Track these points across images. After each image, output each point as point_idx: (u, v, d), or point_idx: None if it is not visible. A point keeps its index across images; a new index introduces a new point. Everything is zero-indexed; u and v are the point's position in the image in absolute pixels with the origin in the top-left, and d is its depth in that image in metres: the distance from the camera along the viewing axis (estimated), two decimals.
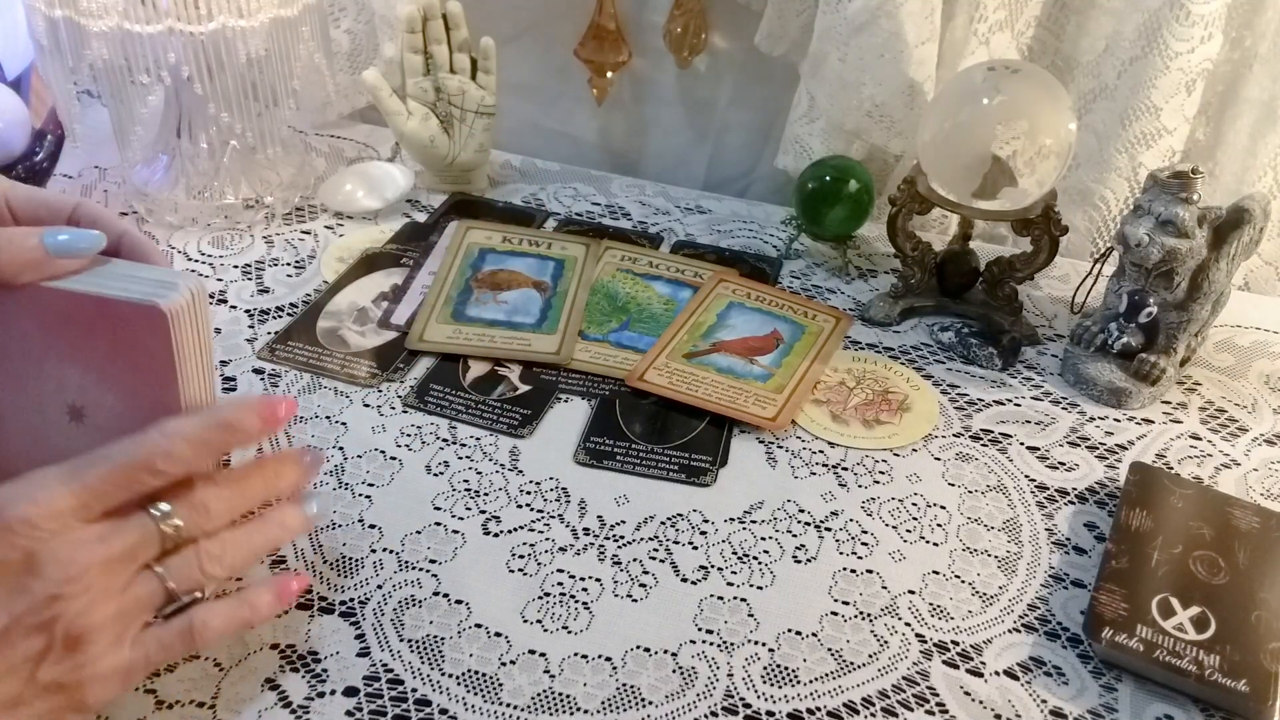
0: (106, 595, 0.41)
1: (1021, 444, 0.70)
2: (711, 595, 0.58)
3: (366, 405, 0.69)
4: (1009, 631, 0.57)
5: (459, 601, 0.57)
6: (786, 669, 0.54)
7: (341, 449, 0.66)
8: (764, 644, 0.56)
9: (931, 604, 0.59)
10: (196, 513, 0.44)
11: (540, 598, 0.57)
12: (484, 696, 0.52)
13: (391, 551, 0.59)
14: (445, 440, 0.67)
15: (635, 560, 0.60)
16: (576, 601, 0.57)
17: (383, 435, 0.67)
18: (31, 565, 0.40)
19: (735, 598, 0.58)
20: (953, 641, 0.57)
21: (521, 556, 0.60)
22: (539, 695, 0.52)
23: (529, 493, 0.64)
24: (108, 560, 0.41)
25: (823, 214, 0.87)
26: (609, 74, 0.99)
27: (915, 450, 0.69)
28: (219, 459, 0.48)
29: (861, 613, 0.58)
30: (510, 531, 0.61)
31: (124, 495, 0.42)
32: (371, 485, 0.64)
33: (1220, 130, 0.88)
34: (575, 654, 0.54)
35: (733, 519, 0.63)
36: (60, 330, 0.48)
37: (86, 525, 0.41)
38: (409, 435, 0.67)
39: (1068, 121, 0.74)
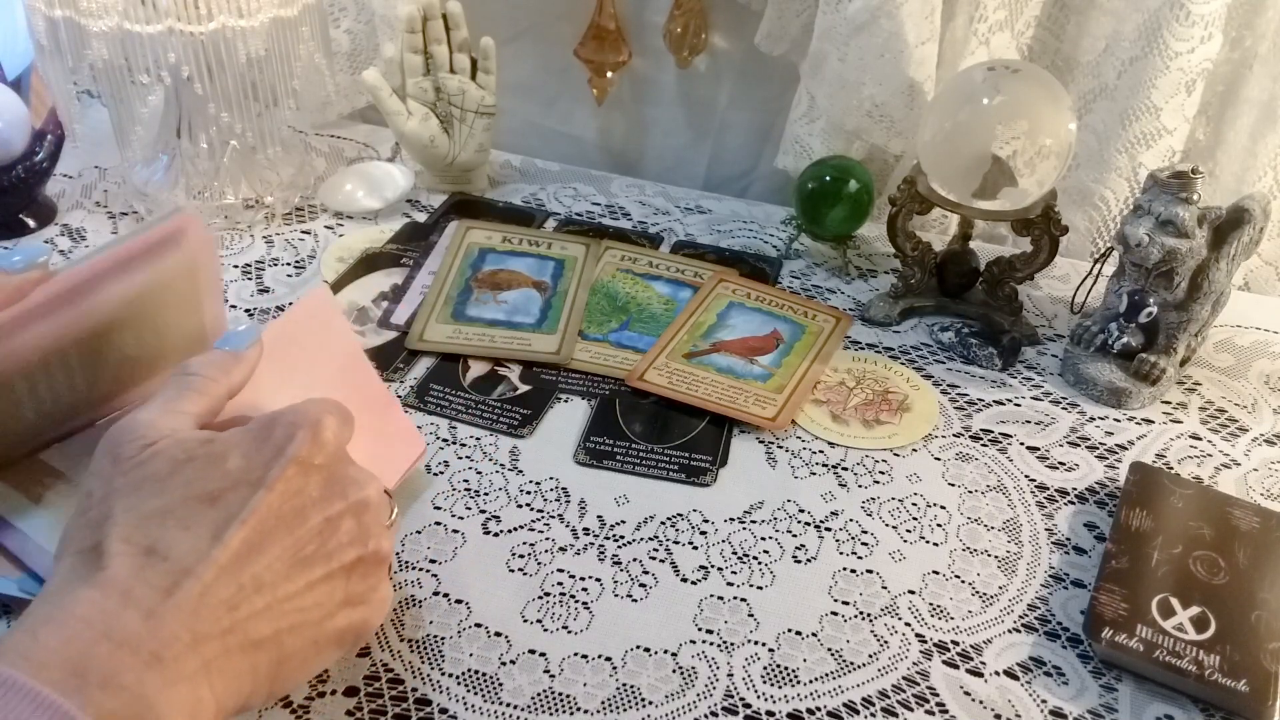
0: (387, 530, 0.48)
1: (1021, 444, 0.70)
2: (711, 595, 0.58)
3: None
4: (1009, 631, 0.57)
5: (459, 601, 0.57)
6: (786, 669, 0.54)
7: None
8: (764, 644, 0.56)
9: (931, 604, 0.59)
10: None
11: (540, 597, 0.57)
12: (484, 696, 0.52)
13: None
14: (445, 440, 0.67)
15: (635, 560, 0.60)
16: (576, 601, 0.57)
17: None
18: (337, 476, 0.45)
19: (735, 598, 0.58)
20: (953, 641, 0.57)
21: (521, 556, 0.60)
22: (539, 695, 0.52)
23: (529, 493, 0.64)
24: (379, 496, 0.48)
25: (823, 214, 0.87)
26: (609, 74, 0.99)
27: (915, 450, 0.69)
28: None
29: (861, 613, 0.58)
30: (510, 531, 0.61)
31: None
32: None
33: (1220, 130, 0.88)
34: (575, 654, 0.54)
35: (733, 519, 0.63)
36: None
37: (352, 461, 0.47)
38: None
39: (1068, 121, 0.74)
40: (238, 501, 0.41)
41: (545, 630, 0.55)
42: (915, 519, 0.64)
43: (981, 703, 0.53)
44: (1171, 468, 0.69)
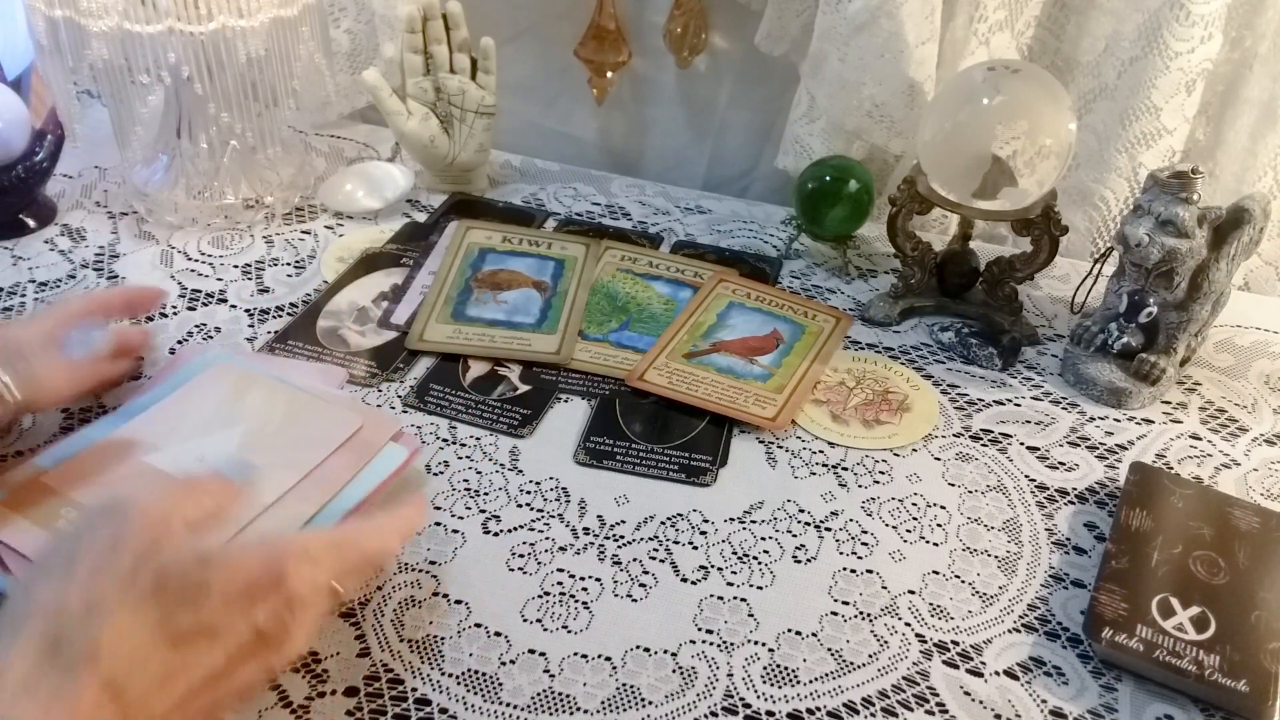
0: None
1: (1021, 444, 0.70)
2: (711, 595, 0.58)
3: (366, 405, 0.69)
4: (1009, 631, 0.57)
5: (459, 601, 0.57)
6: (786, 669, 0.54)
7: None
8: (764, 644, 0.56)
9: (931, 604, 0.59)
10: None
11: (540, 597, 0.57)
12: (484, 696, 0.52)
13: None
14: (445, 440, 0.67)
15: (635, 560, 0.60)
16: (576, 601, 0.57)
17: None
18: (285, 639, 0.44)
19: (735, 598, 0.58)
20: (953, 641, 0.57)
21: (521, 556, 0.60)
22: (539, 695, 0.52)
23: (529, 492, 0.64)
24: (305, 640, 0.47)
25: (823, 214, 0.87)
26: (609, 74, 0.99)
27: (915, 450, 0.69)
28: None
29: (861, 613, 0.58)
30: (510, 531, 0.61)
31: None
32: None
33: (1220, 130, 0.88)
34: (575, 654, 0.54)
35: (733, 519, 0.63)
36: None
37: (322, 602, 0.46)
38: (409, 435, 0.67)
39: (1068, 121, 0.74)
40: (191, 652, 0.42)
41: (545, 630, 0.55)
42: (915, 519, 0.64)
43: (981, 703, 0.53)
44: (1171, 468, 0.69)
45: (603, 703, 0.52)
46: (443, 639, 0.55)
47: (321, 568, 0.45)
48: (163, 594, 0.41)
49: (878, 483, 0.67)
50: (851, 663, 0.55)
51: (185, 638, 0.41)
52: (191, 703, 0.42)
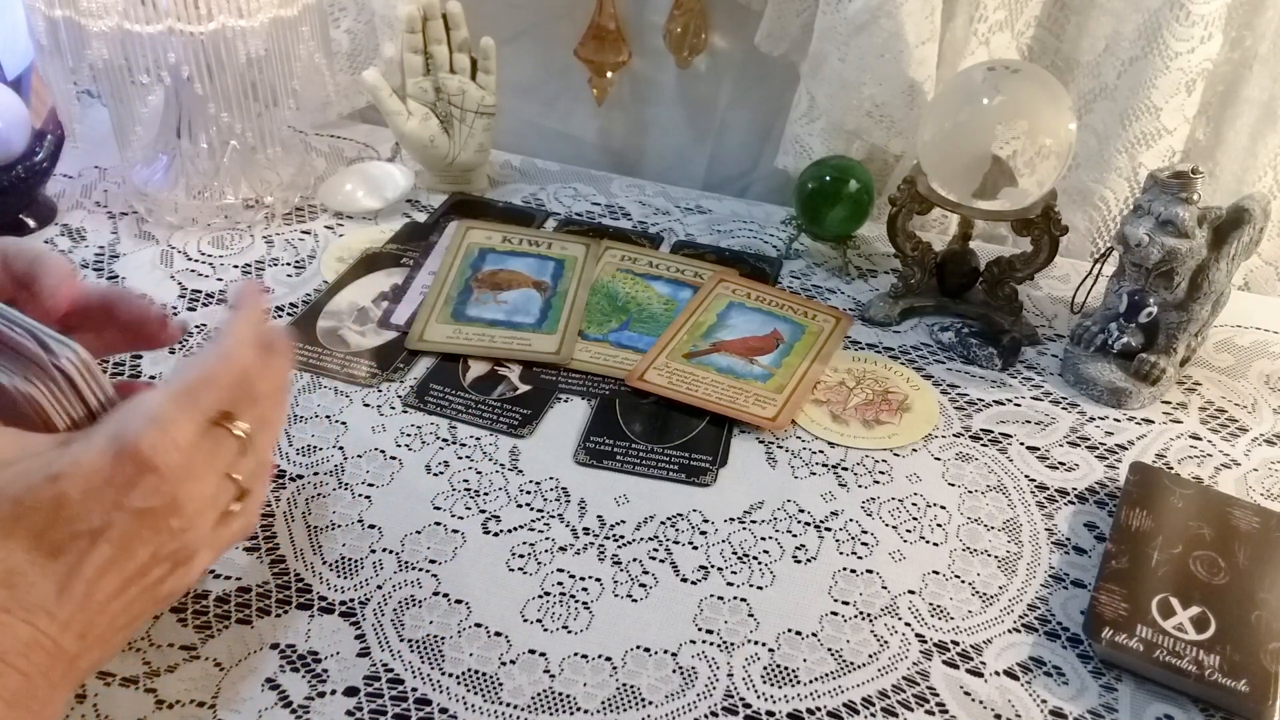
0: (210, 514, 0.46)
1: (1021, 444, 0.70)
2: (711, 595, 0.58)
3: (366, 405, 0.69)
4: (1009, 631, 0.57)
5: (459, 601, 0.57)
6: (786, 669, 0.54)
7: (341, 449, 0.66)
8: (764, 644, 0.56)
9: (931, 604, 0.59)
10: (259, 419, 0.48)
11: (540, 597, 0.57)
12: (484, 696, 0.52)
13: (391, 551, 0.59)
14: (445, 440, 0.67)
15: (635, 560, 0.60)
16: (576, 601, 0.57)
17: (383, 435, 0.67)
18: (174, 507, 0.43)
19: (735, 598, 0.58)
20: (953, 641, 0.57)
21: (521, 556, 0.60)
22: (539, 695, 0.52)
23: (529, 492, 0.64)
24: (215, 485, 0.45)
25: (823, 214, 0.87)
26: (609, 74, 0.99)
27: (915, 450, 0.69)
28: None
29: (861, 613, 0.58)
30: (510, 531, 0.61)
31: (217, 412, 0.46)
32: (371, 485, 0.64)
33: (1220, 130, 0.88)
34: (575, 654, 0.54)
35: (733, 519, 0.63)
36: None
37: (199, 451, 0.44)
38: (409, 435, 0.67)
39: (1068, 121, 0.74)
40: (79, 556, 0.41)
41: (545, 630, 0.55)
42: (915, 519, 0.64)
43: (981, 703, 0.53)
44: (1171, 468, 0.69)
45: (603, 703, 0.52)
46: (443, 639, 0.55)
47: (177, 423, 0.43)
48: (22, 520, 0.41)
49: (878, 483, 0.67)
50: (851, 663, 0.55)
51: (62, 545, 0.41)
52: (107, 605, 0.42)
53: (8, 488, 0.41)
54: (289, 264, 0.83)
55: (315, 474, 0.64)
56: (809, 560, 0.61)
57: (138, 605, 0.44)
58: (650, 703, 0.52)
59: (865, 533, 0.63)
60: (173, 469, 0.43)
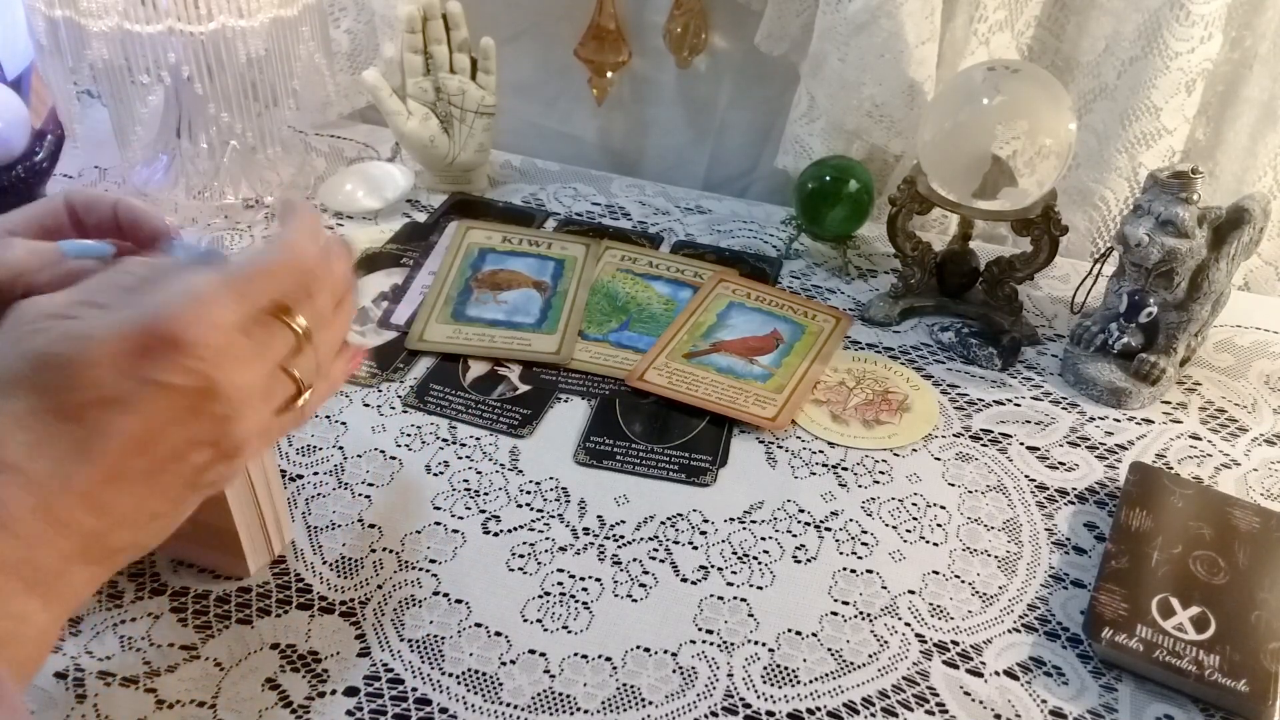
0: (262, 406, 0.44)
1: (1021, 444, 0.70)
2: (711, 595, 0.58)
3: (366, 405, 0.69)
4: (1009, 631, 0.57)
5: (459, 601, 0.57)
6: (786, 669, 0.54)
7: (341, 449, 0.66)
8: (764, 644, 0.56)
9: (931, 604, 0.59)
10: (318, 316, 0.46)
11: (540, 597, 0.57)
12: (484, 696, 0.52)
13: (391, 551, 0.59)
14: (445, 440, 0.67)
15: (635, 560, 0.60)
16: (576, 601, 0.57)
17: (383, 435, 0.67)
18: (211, 391, 0.41)
19: (735, 598, 0.58)
20: (953, 641, 0.57)
21: (521, 556, 0.60)
22: (539, 695, 0.52)
23: (529, 492, 0.64)
24: (267, 376, 0.44)
25: (823, 214, 0.87)
26: (609, 74, 0.99)
27: (915, 450, 0.69)
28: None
29: (861, 613, 0.58)
30: (510, 531, 0.61)
31: (272, 304, 0.44)
32: (371, 485, 0.64)
33: (1220, 130, 0.88)
34: (575, 654, 0.54)
35: (733, 519, 0.63)
36: None
37: (248, 339, 0.42)
38: (409, 435, 0.67)
39: (1068, 121, 0.74)
40: (97, 423, 0.39)
41: (545, 630, 0.55)
42: (915, 519, 0.64)
43: (981, 703, 0.53)
44: (1171, 468, 0.69)
45: (603, 703, 0.52)
46: (443, 639, 0.55)
47: (221, 304, 0.41)
48: (39, 376, 0.39)
49: (878, 483, 0.67)
50: (851, 663, 0.55)
51: (82, 410, 0.39)
52: (134, 483, 0.40)
53: (27, 340, 0.40)
54: None
55: (315, 474, 0.64)
56: (809, 560, 0.61)
57: (175, 489, 0.42)
58: (650, 703, 0.52)
59: (865, 533, 0.63)
60: (210, 349, 0.40)
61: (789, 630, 0.56)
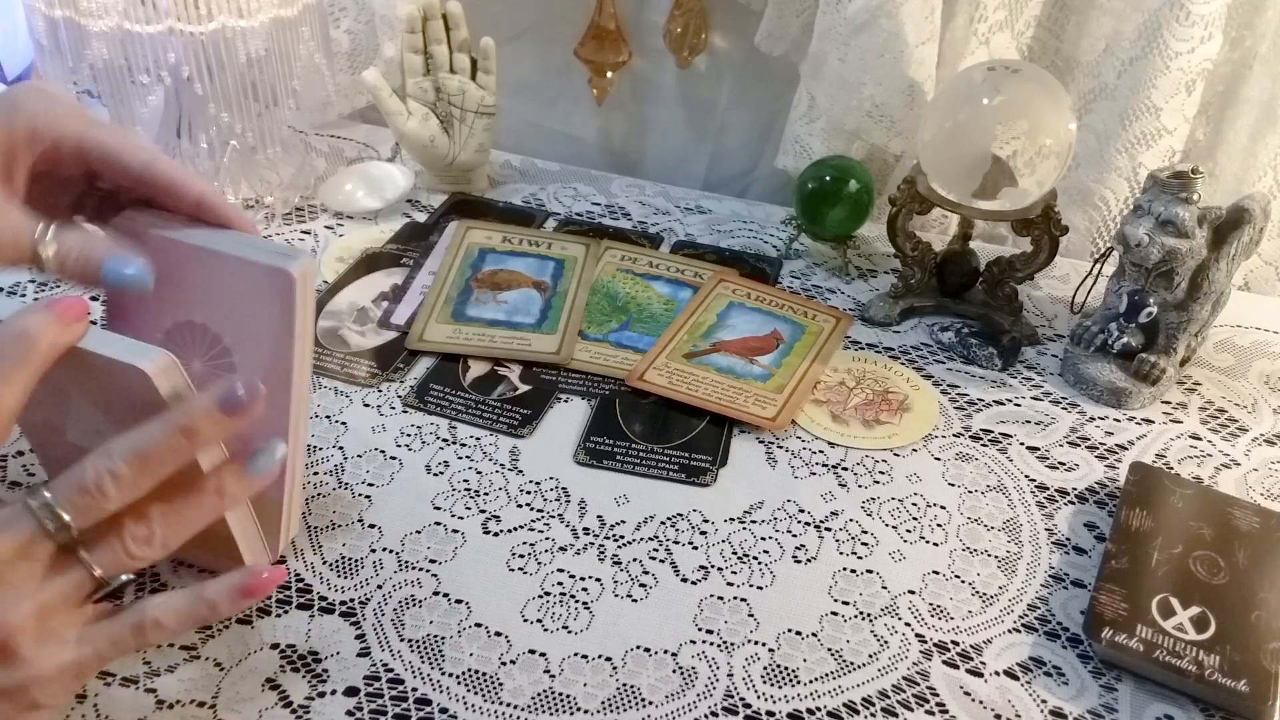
0: (19, 594, 0.40)
1: (1021, 444, 0.70)
2: (711, 595, 0.58)
3: (366, 405, 0.69)
4: (1009, 631, 0.57)
5: (459, 601, 0.57)
6: (786, 669, 0.54)
7: (341, 449, 0.66)
8: (764, 644, 0.56)
9: (931, 604, 0.59)
10: (88, 498, 0.41)
11: (540, 597, 0.57)
12: (484, 696, 0.52)
13: (391, 551, 0.59)
14: (445, 440, 0.67)
15: (635, 560, 0.60)
16: (576, 601, 0.57)
17: (383, 435, 0.67)
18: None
19: (735, 598, 0.58)
20: (953, 641, 0.57)
21: (521, 556, 0.60)
22: (539, 695, 0.52)
23: (529, 492, 0.64)
24: (10, 560, 0.39)
25: (823, 214, 0.87)
26: (609, 74, 0.99)
27: (915, 450, 0.69)
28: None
29: (861, 613, 0.58)
30: (510, 531, 0.61)
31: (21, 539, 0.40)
32: (371, 485, 0.64)
33: (1220, 130, 0.88)
34: (575, 654, 0.54)
35: (733, 519, 0.63)
36: (189, 285, 0.50)
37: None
38: (409, 435, 0.67)
39: (1068, 121, 0.74)
40: None
41: (545, 630, 0.55)
42: (915, 519, 0.64)
43: (981, 703, 0.53)
44: (1171, 468, 0.69)
45: (603, 703, 0.52)
46: (443, 639, 0.55)
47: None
48: None
49: (878, 483, 0.67)
50: (851, 663, 0.55)
51: None
52: None
53: None
54: None
55: (315, 474, 0.64)
56: (809, 560, 0.61)
57: None
58: (650, 703, 0.52)
59: (865, 533, 0.63)
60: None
61: (789, 630, 0.56)
